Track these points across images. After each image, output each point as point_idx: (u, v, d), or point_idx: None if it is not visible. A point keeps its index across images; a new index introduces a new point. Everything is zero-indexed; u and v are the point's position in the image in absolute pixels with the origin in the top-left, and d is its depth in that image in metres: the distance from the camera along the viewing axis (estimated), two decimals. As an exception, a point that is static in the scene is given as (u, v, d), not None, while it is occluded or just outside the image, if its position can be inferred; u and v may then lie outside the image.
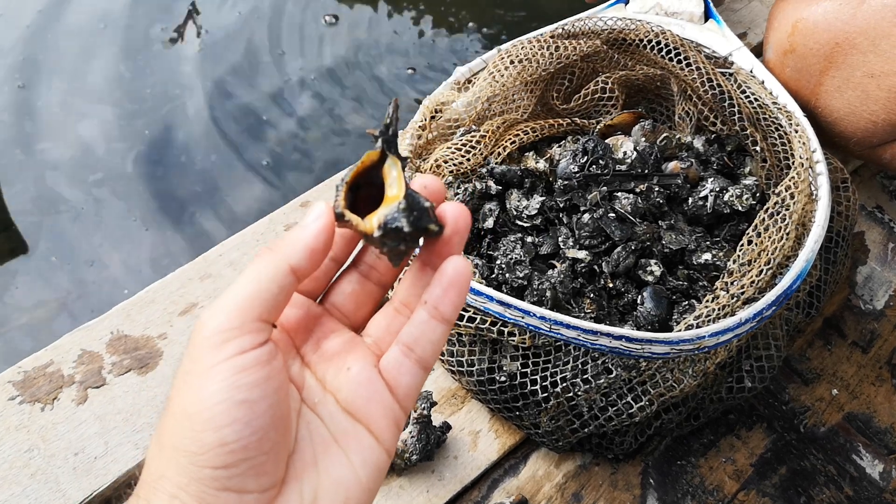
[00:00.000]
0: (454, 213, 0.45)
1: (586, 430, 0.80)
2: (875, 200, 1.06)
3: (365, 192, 0.46)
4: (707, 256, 0.86)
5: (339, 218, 0.43)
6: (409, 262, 0.48)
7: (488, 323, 0.80)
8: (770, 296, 0.78)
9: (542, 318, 0.76)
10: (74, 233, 1.62)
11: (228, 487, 0.39)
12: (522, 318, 0.77)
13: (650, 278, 0.86)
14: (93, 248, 1.61)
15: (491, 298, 0.77)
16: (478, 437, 0.84)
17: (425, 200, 0.45)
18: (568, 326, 0.76)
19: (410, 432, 0.78)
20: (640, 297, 0.85)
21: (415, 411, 0.79)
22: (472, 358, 0.83)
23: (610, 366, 0.78)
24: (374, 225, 0.43)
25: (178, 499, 0.39)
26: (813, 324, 0.96)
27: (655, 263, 0.86)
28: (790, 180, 0.83)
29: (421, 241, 0.46)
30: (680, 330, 0.77)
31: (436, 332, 0.45)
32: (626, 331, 0.74)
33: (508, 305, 0.77)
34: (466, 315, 0.80)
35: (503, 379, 0.81)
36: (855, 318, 0.96)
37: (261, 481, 0.40)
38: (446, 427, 0.82)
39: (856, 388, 0.91)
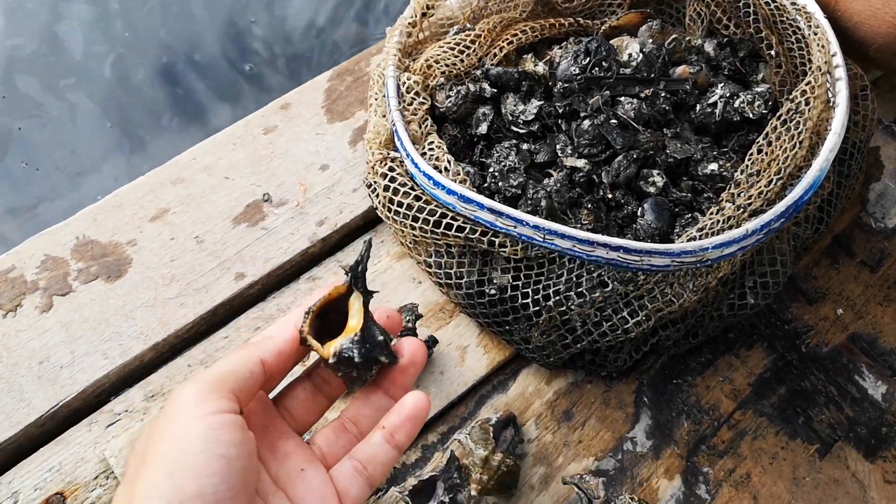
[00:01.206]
0: (411, 348, 0.52)
1: (579, 345, 0.76)
2: (893, 114, 1.01)
3: (335, 316, 0.52)
4: (713, 167, 0.81)
5: (303, 342, 0.50)
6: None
7: (478, 233, 0.75)
8: (779, 206, 0.73)
9: (536, 227, 0.71)
10: (46, 138, 1.56)
11: None
12: (515, 227, 0.72)
13: (652, 189, 0.81)
14: (65, 155, 1.55)
15: (482, 206, 0.72)
16: (465, 352, 0.80)
17: (380, 334, 0.51)
18: (563, 236, 0.71)
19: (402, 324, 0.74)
20: (640, 209, 0.80)
21: (399, 324, 0.75)
22: (461, 270, 0.78)
23: (606, 279, 0.74)
24: (330, 352, 0.50)
25: None
26: (820, 241, 0.91)
27: (658, 174, 0.81)
28: (806, 85, 0.77)
29: (374, 369, 0.52)
30: (682, 241, 0.72)
31: (388, 456, 0.51)
32: (625, 241, 0.70)
33: (500, 214, 0.72)
34: (455, 224, 0.75)
35: (493, 292, 0.77)
36: (865, 236, 0.92)
37: None
38: (433, 341, 0.78)
39: (862, 308, 0.87)
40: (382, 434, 0.51)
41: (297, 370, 0.56)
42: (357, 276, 0.52)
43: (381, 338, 0.51)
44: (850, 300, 0.88)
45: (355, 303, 0.52)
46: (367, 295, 0.53)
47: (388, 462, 0.52)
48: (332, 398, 0.55)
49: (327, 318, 0.52)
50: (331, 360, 0.50)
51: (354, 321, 0.51)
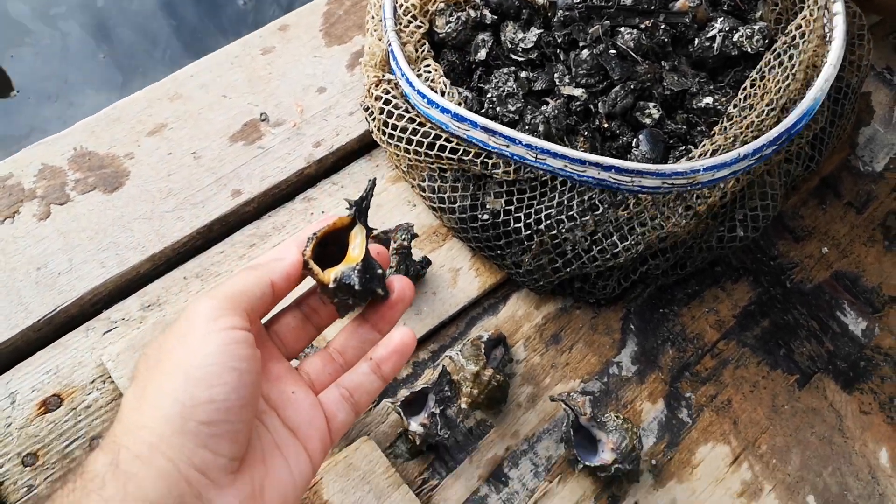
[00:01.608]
0: (401, 285, 0.54)
1: (569, 270, 0.78)
2: (885, 61, 1.02)
3: (332, 249, 0.53)
4: (708, 100, 0.82)
5: (305, 265, 0.51)
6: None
7: (472, 154, 0.76)
8: (772, 133, 0.74)
9: (529, 146, 0.72)
10: (38, 67, 1.54)
11: (207, 445, 0.43)
12: (507, 146, 0.73)
13: (648, 121, 0.82)
14: (57, 84, 1.54)
15: (475, 125, 0.73)
16: (458, 274, 0.81)
17: (379, 268, 0.53)
18: (555, 155, 0.72)
19: (391, 264, 0.75)
20: (635, 139, 0.81)
21: (394, 242, 0.76)
22: (455, 195, 0.79)
23: (597, 202, 0.75)
24: (331, 278, 0.51)
25: (159, 449, 0.42)
26: (809, 182, 0.93)
27: (654, 106, 0.82)
28: (802, 19, 0.78)
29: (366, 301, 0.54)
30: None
31: (373, 385, 0.53)
32: (616, 161, 0.71)
33: (493, 132, 0.73)
34: (449, 146, 0.76)
35: (485, 217, 0.78)
36: (853, 178, 0.93)
37: (232, 449, 0.44)
38: (426, 262, 0.79)
39: (847, 248, 0.89)
40: (369, 365, 0.53)
41: (287, 298, 0.57)
42: (361, 210, 0.54)
43: (379, 271, 0.53)
44: (836, 239, 0.89)
45: (357, 236, 0.53)
46: (369, 230, 0.54)
47: (373, 391, 0.54)
48: (319, 328, 0.56)
49: (325, 249, 0.54)
50: (331, 285, 0.51)
51: (356, 252, 0.53)
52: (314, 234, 0.52)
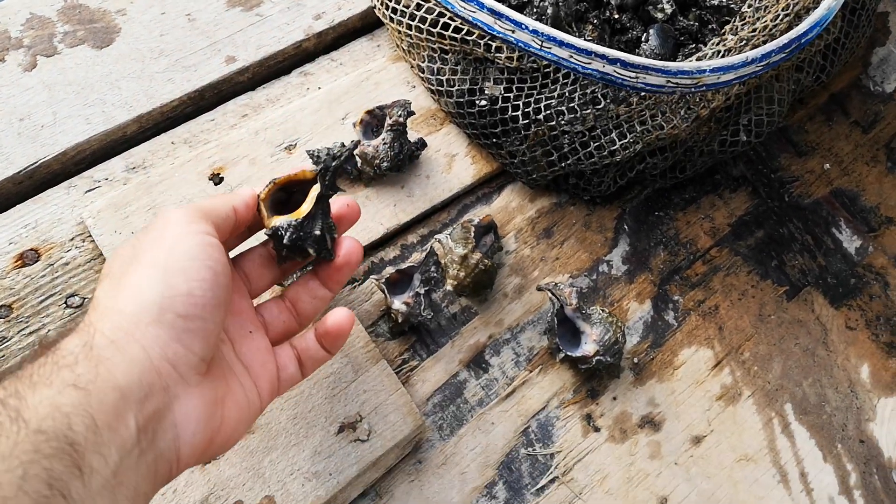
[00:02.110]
0: (348, 248, 0.56)
1: (564, 164, 0.76)
2: (905, -19, 0.99)
3: (299, 198, 0.55)
4: (723, -2, 0.79)
5: (257, 206, 0.54)
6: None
7: (475, 36, 0.73)
8: (782, 39, 0.71)
9: (535, 31, 0.69)
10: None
11: (181, 340, 0.43)
12: (513, 31, 0.70)
13: (660, 15, 0.79)
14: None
15: (482, 6, 0.70)
16: (453, 160, 0.79)
17: (321, 229, 0.54)
18: (561, 44, 0.69)
19: (384, 139, 0.73)
20: (645, 34, 0.79)
21: (390, 118, 0.74)
22: (454, 78, 0.77)
23: (599, 96, 0.73)
24: (269, 224, 0.53)
25: (133, 336, 0.42)
26: (817, 97, 0.91)
27: (668, 1, 0.79)
28: (829, -79, 0.75)
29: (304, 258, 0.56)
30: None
31: (319, 354, 0.55)
32: (623, 54, 0.68)
33: (500, 15, 0.70)
34: (452, 25, 0.74)
35: (483, 103, 0.76)
36: (862, 97, 0.91)
37: (203, 349, 0.45)
38: (422, 144, 0.77)
39: (849, 166, 0.87)
40: (315, 335, 0.55)
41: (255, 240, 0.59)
42: (327, 169, 0.55)
43: (317, 232, 0.54)
44: (839, 157, 0.88)
45: (313, 192, 0.55)
46: (329, 190, 0.55)
47: (319, 359, 0.56)
48: (284, 270, 0.58)
49: (291, 198, 0.56)
50: (265, 232, 0.54)
51: (304, 207, 0.54)
52: (274, 179, 0.55)
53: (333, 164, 0.55)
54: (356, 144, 0.57)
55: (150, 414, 0.42)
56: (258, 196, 0.54)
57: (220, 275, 0.46)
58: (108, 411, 0.39)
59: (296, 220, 0.53)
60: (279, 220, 0.54)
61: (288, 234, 0.53)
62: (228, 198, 0.53)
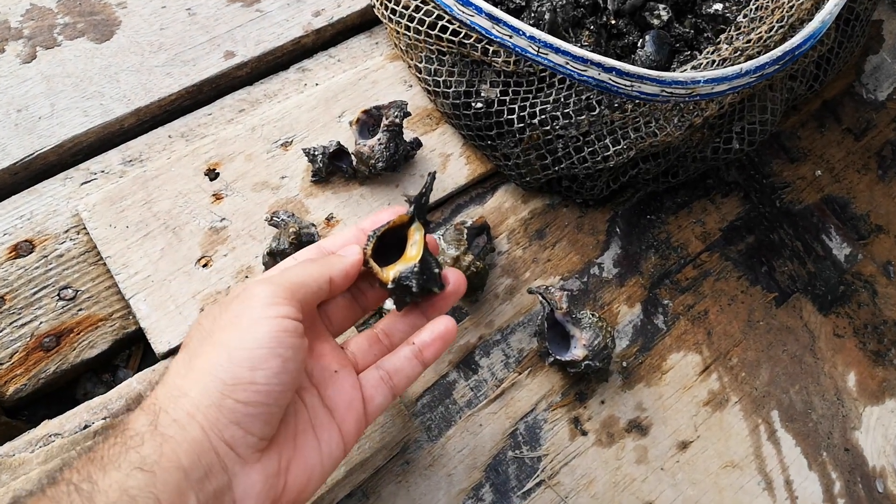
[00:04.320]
0: (456, 280, 0.56)
1: (557, 168, 0.76)
2: (902, -10, 1.00)
3: (390, 240, 0.55)
4: (718, 7, 0.80)
5: (365, 263, 0.54)
6: None
7: (473, 39, 0.73)
8: (776, 51, 0.72)
9: (532, 38, 0.70)
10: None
11: (239, 423, 0.44)
12: (511, 37, 0.71)
13: (656, 21, 0.80)
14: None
15: (480, 11, 0.71)
16: (448, 160, 0.80)
17: (436, 266, 0.55)
18: (557, 51, 0.70)
19: (379, 139, 0.74)
20: (641, 40, 0.79)
21: (386, 118, 0.74)
22: (451, 79, 0.77)
23: (594, 102, 0.73)
24: (390, 277, 0.53)
25: (195, 418, 0.44)
26: (810, 104, 0.91)
27: (664, 8, 0.80)
28: (827, -69, 0.75)
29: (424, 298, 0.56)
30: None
31: (413, 370, 0.55)
32: (618, 63, 0.69)
33: (498, 21, 0.70)
34: (451, 28, 0.74)
35: (479, 105, 0.76)
36: (855, 105, 0.92)
37: (264, 430, 0.46)
38: (417, 143, 0.78)
39: (840, 173, 0.88)
40: (411, 349, 0.55)
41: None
42: (420, 207, 0.55)
43: (436, 270, 0.55)
44: (830, 164, 0.89)
45: (416, 233, 0.55)
46: (427, 227, 0.56)
47: (412, 376, 0.55)
48: (366, 309, 0.58)
49: (382, 242, 0.55)
50: (390, 285, 0.54)
51: (414, 251, 0.55)
52: (375, 232, 0.54)
53: (423, 200, 0.56)
54: (433, 176, 0.57)
55: (211, 493, 0.43)
56: (365, 254, 0.54)
57: (289, 361, 0.46)
58: (171, 491, 0.41)
59: (415, 266, 0.54)
60: (398, 271, 0.54)
61: (415, 282, 0.54)
62: (325, 269, 0.52)
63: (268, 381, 0.45)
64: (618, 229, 0.81)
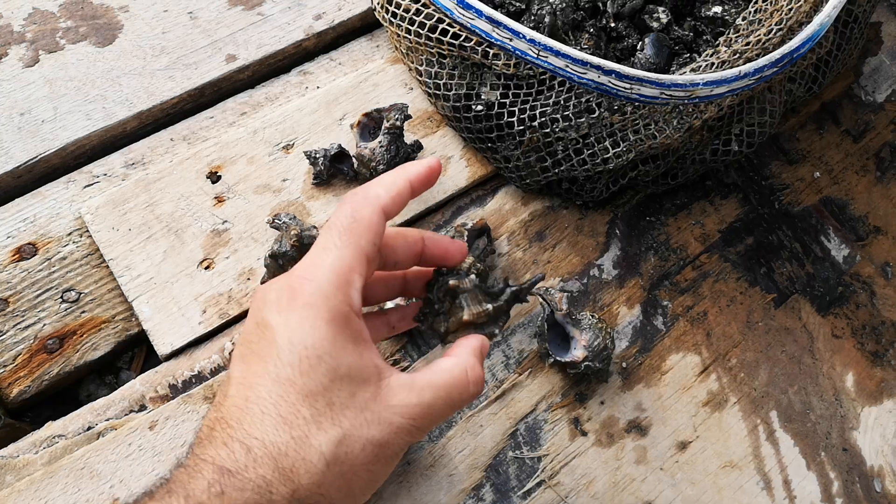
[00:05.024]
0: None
1: (557, 171, 0.77)
2: (900, -8, 1.00)
3: None
4: (717, 9, 0.80)
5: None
6: None
7: (473, 42, 0.74)
8: (775, 54, 0.73)
9: (532, 41, 0.70)
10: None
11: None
12: (511, 40, 0.71)
13: (655, 25, 0.80)
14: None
15: (480, 14, 0.71)
16: (448, 162, 0.80)
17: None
18: (557, 54, 0.70)
19: (380, 142, 0.74)
20: (640, 42, 0.79)
21: (387, 121, 0.74)
22: (451, 82, 0.78)
23: (594, 105, 0.74)
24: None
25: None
26: (809, 106, 0.92)
27: (664, 11, 0.80)
28: (825, -65, 0.76)
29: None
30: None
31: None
32: (618, 66, 0.69)
33: (498, 24, 0.71)
34: (451, 31, 0.74)
35: (479, 108, 0.77)
36: (853, 106, 0.93)
37: None
38: (417, 146, 0.78)
39: (839, 175, 0.89)
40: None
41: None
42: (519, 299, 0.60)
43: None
44: (829, 165, 0.89)
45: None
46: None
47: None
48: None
49: None
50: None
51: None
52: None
53: (522, 294, 0.60)
54: (541, 278, 0.61)
55: None
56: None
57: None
58: None
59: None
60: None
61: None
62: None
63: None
64: (617, 231, 0.82)
